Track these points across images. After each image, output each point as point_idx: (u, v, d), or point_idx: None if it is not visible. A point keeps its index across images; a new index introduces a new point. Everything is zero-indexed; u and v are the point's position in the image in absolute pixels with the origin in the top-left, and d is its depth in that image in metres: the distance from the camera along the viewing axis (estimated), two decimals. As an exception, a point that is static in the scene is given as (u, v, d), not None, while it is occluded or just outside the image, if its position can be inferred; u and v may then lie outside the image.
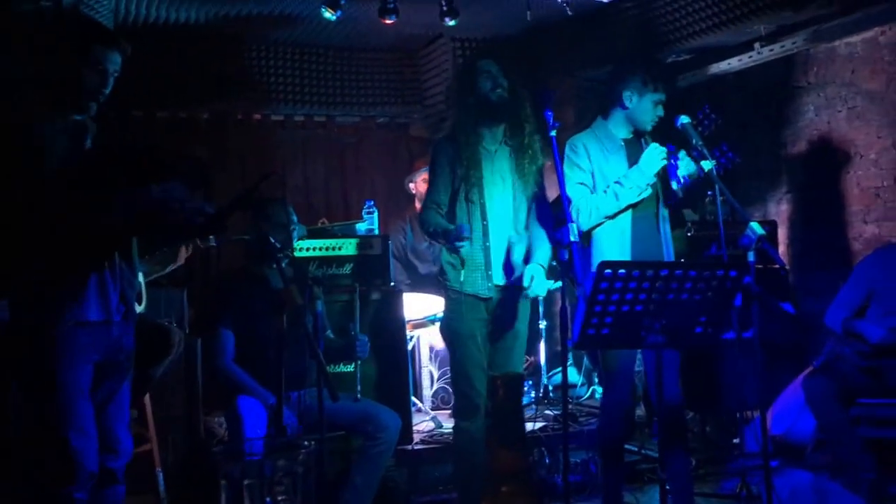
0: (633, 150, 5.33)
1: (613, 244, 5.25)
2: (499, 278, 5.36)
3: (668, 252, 5.31)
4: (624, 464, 5.63)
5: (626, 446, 6.17)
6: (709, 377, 6.76)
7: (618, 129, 5.39)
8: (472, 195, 5.34)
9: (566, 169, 5.17)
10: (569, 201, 4.90)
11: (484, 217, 5.35)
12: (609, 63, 8.24)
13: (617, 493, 5.42)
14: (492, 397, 4.83)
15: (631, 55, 7.55)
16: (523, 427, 5.04)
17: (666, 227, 5.34)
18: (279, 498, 2.48)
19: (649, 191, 5.20)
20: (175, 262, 6.17)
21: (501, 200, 5.37)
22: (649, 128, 5.33)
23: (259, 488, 2.47)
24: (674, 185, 5.23)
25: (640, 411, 7.22)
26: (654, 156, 5.14)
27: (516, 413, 4.85)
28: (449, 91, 5.82)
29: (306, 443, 2.56)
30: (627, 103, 5.31)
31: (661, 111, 5.32)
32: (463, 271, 5.34)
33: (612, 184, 5.18)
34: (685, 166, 5.17)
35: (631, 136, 5.40)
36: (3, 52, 6.45)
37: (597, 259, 5.25)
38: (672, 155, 5.18)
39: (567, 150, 5.34)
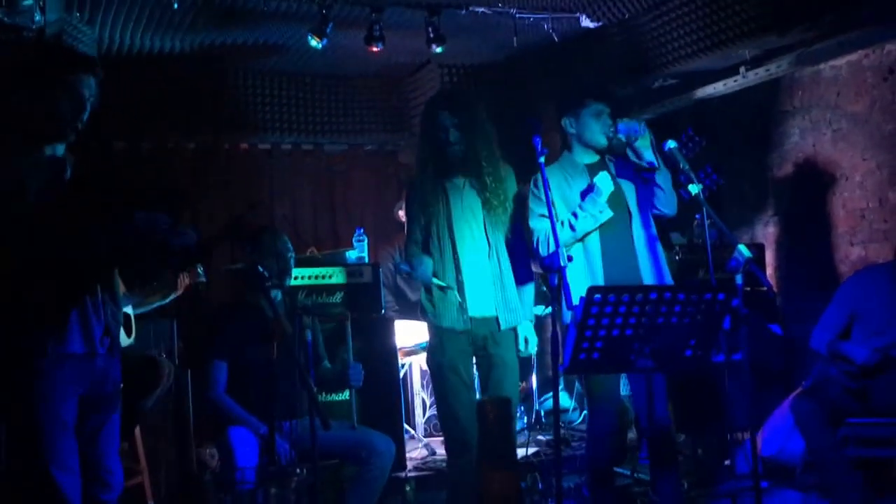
0: (598, 171, 5.37)
1: (582, 270, 5.28)
2: (475, 310, 5.41)
3: (657, 273, 5.31)
4: (614, 488, 5.63)
5: (618, 469, 6.17)
6: (699, 400, 6.76)
7: (580, 156, 5.47)
8: (442, 232, 5.45)
9: (530, 203, 5.26)
10: (554, 227, 4.93)
11: (454, 252, 5.44)
12: (596, 88, 8.30)
13: None
14: (481, 422, 4.83)
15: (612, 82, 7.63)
16: (514, 450, 5.03)
17: (651, 249, 5.33)
18: (274, 526, 2.47)
19: (608, 214, 5.23)
20: (176, 291, 6.15)
21: (473, 234, 5.46)
22: (604, 142, 5.36)
23: (253, 517, 2.46)
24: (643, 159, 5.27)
25: (633, 434, 7.22)
26: (604, 181, 5.20)
27: (506, 437, 4.85)
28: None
29: (298, 470, 2.53)
30: (571, 129, 5.43)
31: (607, 120, 5.34)
32: (438, 306, 5.42)
33: (569, 215, 5.24)
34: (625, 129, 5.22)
35: (596, 159, 5.45)
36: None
37: (570, 285, 5.30)
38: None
39: (530, 186, 5.40)
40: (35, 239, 3.83)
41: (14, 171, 3.87)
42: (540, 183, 5.29)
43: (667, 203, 5.35)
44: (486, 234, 5.49)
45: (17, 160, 3.91)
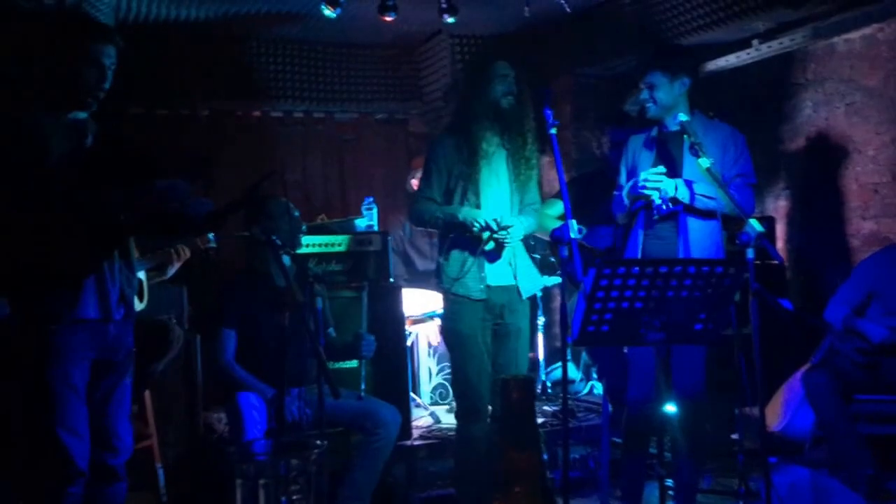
0: (670, 141, 5.38)
1: (634, 243, 5.32)
2: (493, 279, 5.36)
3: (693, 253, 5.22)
4: (647, 456, 5.57)
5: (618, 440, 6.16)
6: (708, 373, 6.75)
7: (650, 126, 5.51)
8: (469, 194, 5.33)
9: None
10: (569, 198, 4.93)
11: None
12: (606, 60, 8.29)
13: (638, 483, 5.41)
14: (504, 400, 4.80)
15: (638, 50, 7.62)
16: (537, 429, 5.02)
17: (696, 229, 5.25)
18: (294, 497, 2.50)
19: (625, 208, 5.34)
20: (173, 265, 6.17)
21: (497, 201, 5.36)
22: (646, 115, 5.41)
23: (274, 488, 2.49)
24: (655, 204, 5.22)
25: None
26: (645, 177, 5.17)
27: (530, 416, 4.83)
28: (456, 86, 5.78)
29: (319, 442, 2.55)
30: None
31: (642, 94, 5.36)
32: (457, 273, 5.35)
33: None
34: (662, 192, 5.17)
35: (671, 130, 5.38)
36: (5, 52, 6.47)
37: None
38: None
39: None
40: (54, 203, 3.85)
41: (37, 137, 3.90)
42: (623, 150, 5.50)
43: (721, 209, 5.24)
44: (510, 203, 5.43)
45: (41, 126, 3.94)
